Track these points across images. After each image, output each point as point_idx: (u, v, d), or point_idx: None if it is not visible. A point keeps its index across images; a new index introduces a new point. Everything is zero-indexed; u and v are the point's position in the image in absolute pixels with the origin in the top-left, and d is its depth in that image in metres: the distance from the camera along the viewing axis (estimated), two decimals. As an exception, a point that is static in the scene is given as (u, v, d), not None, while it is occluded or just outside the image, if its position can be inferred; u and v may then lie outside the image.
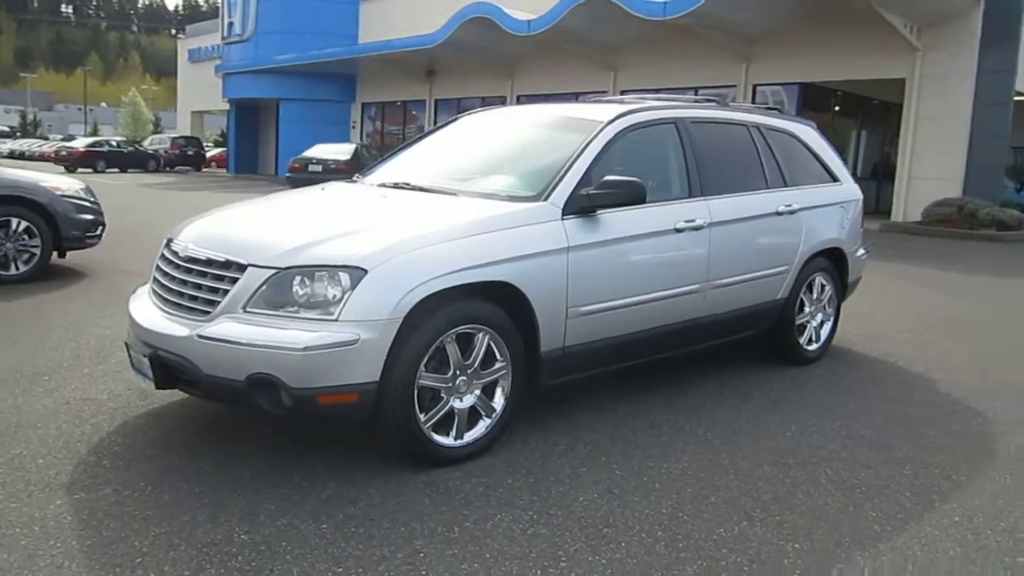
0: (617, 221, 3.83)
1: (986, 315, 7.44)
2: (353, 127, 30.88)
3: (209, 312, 3.20)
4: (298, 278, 3.09)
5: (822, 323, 5.34)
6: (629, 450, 3.66)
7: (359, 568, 2.57)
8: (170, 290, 3.43)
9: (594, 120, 4.15)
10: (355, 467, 3.32)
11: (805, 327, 5.20)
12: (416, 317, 3.13)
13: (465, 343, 3.34)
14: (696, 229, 4.23)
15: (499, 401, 3.49)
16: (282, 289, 3.10)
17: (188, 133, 39.76)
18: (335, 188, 4.33)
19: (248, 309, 3.12)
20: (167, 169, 34.03)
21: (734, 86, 20.18)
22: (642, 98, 4.83)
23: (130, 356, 3.53)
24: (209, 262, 3.28)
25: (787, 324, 5.04)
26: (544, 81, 24.00)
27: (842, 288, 5.50)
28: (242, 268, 3.17)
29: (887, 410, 4.40)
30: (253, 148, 34.59)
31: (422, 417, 3.24)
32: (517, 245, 3.47)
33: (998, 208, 14.64)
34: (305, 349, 2.96)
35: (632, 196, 3.72)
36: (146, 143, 36.27)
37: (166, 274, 3.51)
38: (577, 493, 3.18)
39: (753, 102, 19.88)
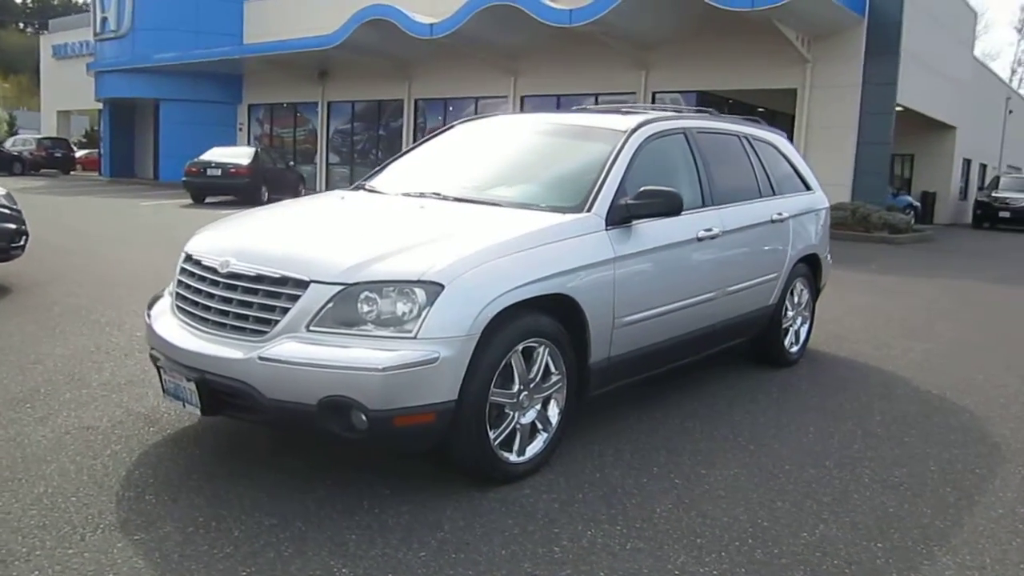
0: (649, 231, 3.86)
1: (919, 315, 7.96)
2: (240, 129, 29.70)
3: (264, 332, 2.99)
4: (368, 294, 2.94)
5: (801, 326, 5.56)
6: (675, 458, 3.68)
7: (482, 596, 2.48)
8: (209, 309, 3.18)
9: (615, 129, 4.16)
10: (417, 489, 3.18)
11: (788, 330, 5.40)
12: (490, 332, 3.04)
13: (526, 358, 3.27)
14: (712, 238, 4.32)
15: (554, 415, 3.44)
16: (351, 306, 2.94)
17: (54, 134, 37.09)
18: (360, 198, 4.14)
19: (312, 328, 2.94)
20: (32, 172, 31.65)
21: (633, 93, 20.75)
22: (636, 106, 4.89)
23: (163, 381, 3.26)
24: (259, 278, 3.07)
25: (776, 328, 5.22)
26: (443, 85, 23.90)
27: (816, 292, 5.75)
28: (302, 284, 2.98)
29: (885, 409, 4.63)
30: (129, 150, 32.65)
31: (491, 435, 3.16)
32: (573, 257, 3.44)
33: (887, 212, 15.71)
34: (386, 369, 2.82)
35: (670, 206, 3.75)
36: (7, 144, 33.55)
37: (199, 291, 3.26)
38: (651, 504, 3.18)
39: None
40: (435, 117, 24.75)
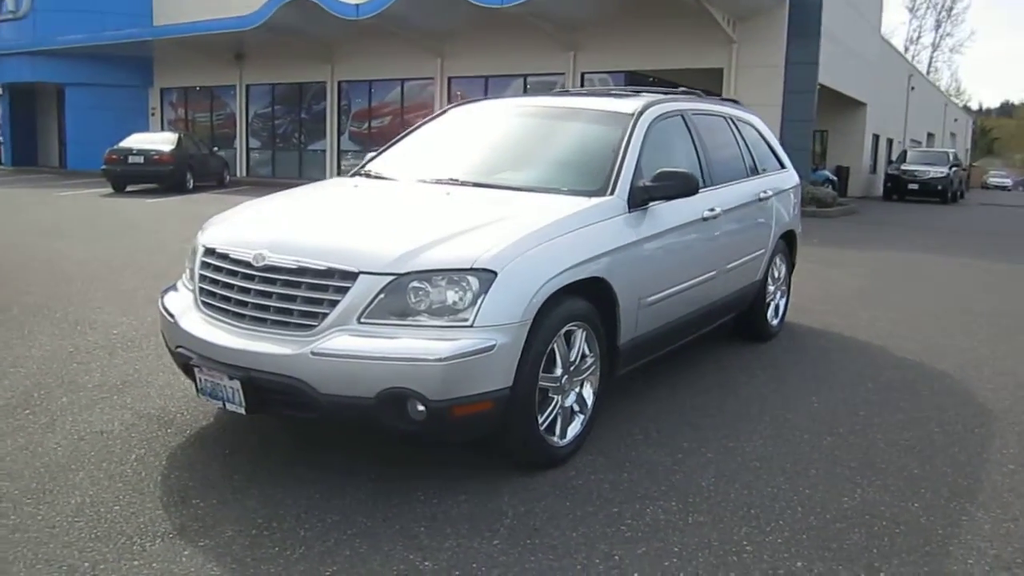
0: (663, 212, 3.91)
1: (870, 285, 8.32)
2: (152, 114, 28.49)
3: (312, 326, 2.92)
4: (420, 284, 2.90)
5: (780, 300, 5.75)
6: (700, 433, 3.77)
7: (571, 579, 2.50)
8: (244, 304, 3.07)
9: (620, 112, 4.19)
10: (465, 477, 3.17)
11: (769, 304, 5.57)
12: (540, 318, 3.05)
13: (566, 341, 3.29)
14: (715, 218, 4.41)
15: (589, 396, 3.48)
16: (403, 296, 2.89)
17: (-58, 122, 34.73)
18: (374, 185, 4.05)
19: (364, 320, 2.88)
20: (-78, 163, 29.65)
21: (562, 74, 20.87)
22: (630, 89, 4.93)
23: (198, 380, 3.14)
24: (302, 271, 2.98)
25: (760, 303, 5.38)
26: (367, 67, 23.48)
27: (791, 267, 5.95)
28: (350, 276, 2.91)
29: (873, 376, 4.85)
30: (31, 138, 30.91)
31: (539, 419, 3.17)
32: (605, 240, 3.47)
33: (812, 186, 16.30)
34: (446, 359, 2.79)
35: (686, 187, 3.82)
36: None
37: (230, 286, 3.14)
38: (696, 479, 3.25)
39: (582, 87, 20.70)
40: (360, 99, 24.33)
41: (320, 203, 3.82)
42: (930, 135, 39.29)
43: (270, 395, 2.97)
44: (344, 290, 2.91)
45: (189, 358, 3.15)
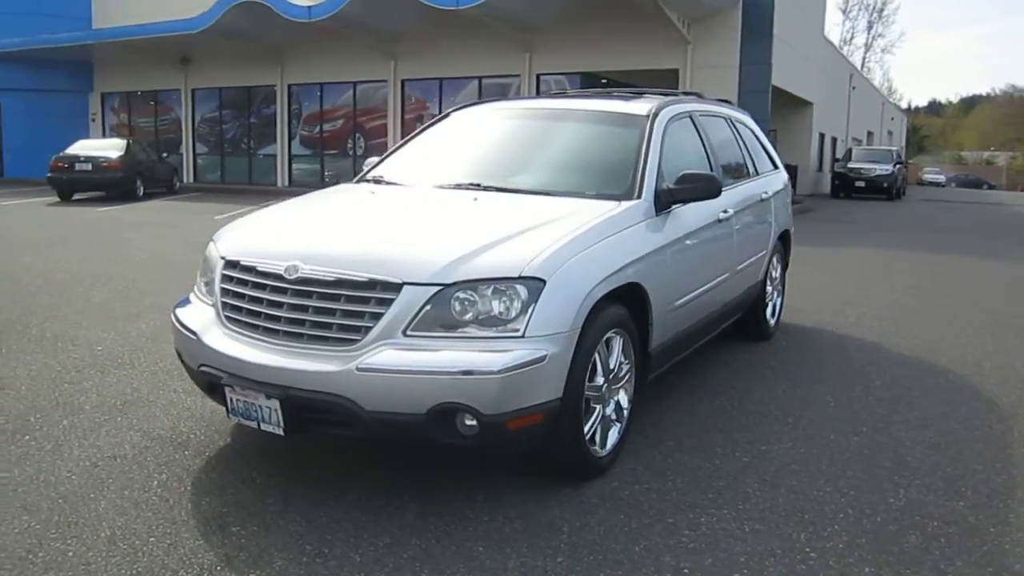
0: (684, 215, 3.88)
1: (847, 283, 8.46)
2: (93, 120, 27.59)
3: (354, 340, 2.79)
4: (467, 294, 2.79)
5: (776, 300, 5.78)
6: (729, 437, 3.74)
7: (647, 596, 2.43)
8: (277, 319, 2.93)
9: (633, 114, 4.14)
10: (509, 492, 3.08)
11: (768, 304, 5.60)
12: (586, 326, 2.97)
13: (605, 348, 3.22)
14: (728, 219, 4.40)
15: (625, 404, 3.42)
16: (450, 307, 2.79)
17: None
18: (393, 192, 3.91)
19: (410, 333, 2.77)
20: None
21: (518, 76, 20.84)
22: (632, 91, 4.89)
23: (229, 401, 2.98)
24: (340, 283, 2.85)
25: (760, 303, 5.39)
26: (318, 70, 23.09)
27: (785, 266, 5.99)
28: (393, 287, 2.79)
29: (878, 373, 4.90)
30: (-38, 146, 29.63)
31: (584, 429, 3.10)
32: (639, 245, 3.42)
33: (770, 185, 16.57)
34: (502, 371, 2.70)
35: (710, 190, 3.79)
36: None
37: (258, 300, 2.98)
38: (740, 486, 3.22)
39: (537, 92, 20.71)
40: (311, 103, 23.92)
41: (341, 211, 3.68)
42: (869, 133, 40.36)
43: (311, 414, 2.84)
44: (387, 302, 2.79)
45: (218, 377, 2.99)
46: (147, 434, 3.60)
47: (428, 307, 2.77)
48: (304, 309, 2.89)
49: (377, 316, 2.79)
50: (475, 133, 4.49)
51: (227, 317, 3.08)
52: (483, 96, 21.41)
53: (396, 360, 2.72)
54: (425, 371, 2.70)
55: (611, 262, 3.18)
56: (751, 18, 17.95)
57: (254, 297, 3.01)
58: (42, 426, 3.66)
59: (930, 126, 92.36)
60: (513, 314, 2.80)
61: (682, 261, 3.83)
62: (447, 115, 4.73)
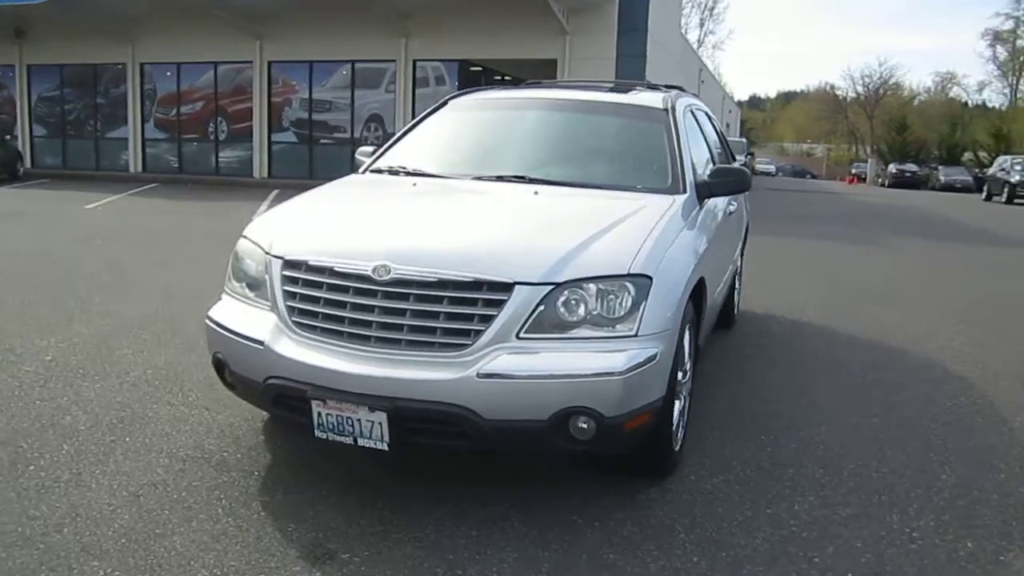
0: (711, 209, 3.93)
1: (781, 272, 8.85)
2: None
3: (464, 345, 2.62)
4: (578, 293, 2.69)
5: (738, 288, 5.99)
6: (763, 424, 3.84)
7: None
8: (365, 324, 2.70)
9: (652, 107, 4.15)
10: (592, 492, 3.02)
11: (737, 293, 5.79)
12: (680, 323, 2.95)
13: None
14: (731, 213, 4.50)
15: (686, 400, 3.42)
16: (562, 307, 2.67)
17: None
18: (439, 184, 3.66)
19: (523, 335, 2.64)
20: None
21: (393, 61, 20.38)
22: (621, 83, 4.89)
23: (316, 417, 2.71)
24: (441, 284, 2.66)
25: (732, 292, 5.57)
26: (174, 48, 21.46)
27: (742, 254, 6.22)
28: (503, 288, 2.64)
29: (851, 356, 5.20)
30: None
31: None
32: (699, 240, 3.43)
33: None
34: (625, 372, 2.62)
35: (742, 184, 3.84)
36: None
37: (339, 304, 2.73)
38: (807, 472, 3.31)
39: (414, 77, 20.40)
40: (167, 84, 22.32)
41: (402, 206, 3.42)
42: (713, 125, 42.63)
43: (423, 426, 2.64)
44: (498, 303, 2.64)
45: (299, 390, 2.72)
46: (172, 455, 3.24)
47: (541, 307, 2.65)
48: (400, 313, 2.68)
49: (487, 319, 2.63)
50: (489, 123, 4.32)
51: (297, 323, 2.81)
52: (356, 82, 20.83)
53: (518, 365, 2.59)
54: (550, 375, 2.58)
55: (689, 258, 3.17)
56: (627, 11, 18.44)
57: (332, 300, 2.76)
58: (41, 453, 3.21)
59: (754, 119, 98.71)
60: (623, 312, 2.73)
61: (715, 255, 3.88)
62: (445, 103, 4.52)
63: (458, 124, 4.33)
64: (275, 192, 16.14)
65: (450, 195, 3.52)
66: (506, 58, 19.59)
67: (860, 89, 70.54)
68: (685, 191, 3.60)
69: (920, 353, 5.27)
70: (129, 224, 11.20)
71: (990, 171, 30.25)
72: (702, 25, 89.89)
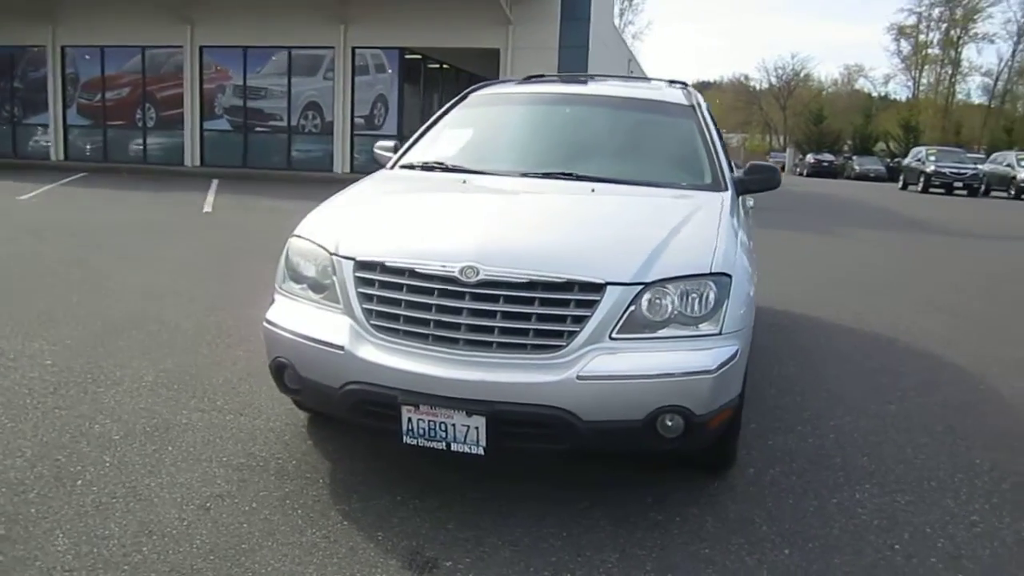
0: (746, 205, 4.00)
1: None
2: None
3: (559, 346, 2.60)
4: (665, 292, 2.70)
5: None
6: (797, 416, 3.95)
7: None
8: (452, 326, 2.64)
9: (679, 103, 4.20)
10: (666, 491, 3.06)
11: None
12: (750, 319, 3.00)
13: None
14: (751, 207, 4.58)
15: (740, 395, 3.48)
16: (651, 307, 2.68)
17: None
18: (491, 182, 3.58)
19: (616, 335, 2.64)
20: None
21: (331, 48, 20.00)
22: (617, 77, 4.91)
23: (406, 423, 2.64)
24: (532, 285, 2.63)
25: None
26: (99, 30, 20.59)
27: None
28: (595, 288, 2.63)
29: (855, 348, 5.38)
30: None
31: (732, 422, 3.13)
32: (748, 238, 3.48)
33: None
34: (717, 370, 2.66)
35: (774, 181, 3.92)
36: None
37: (424, 306, 2.66)
38: (853, 461, 3.43)
39: (353, 65, 20.03)
40: (91, 68, 21.32)
41: (464, 204, 3.34)
42: (641, 115, 43.28)
43: (521, 429, 2.61)
44: (590, 304, 2.63)
45: (386, 396, 2.65)
46: (225, 464, 3.12)
47: (633, 308, 2.65)
48: (491, 315, 2.64)
49: (580, 319, 2.62)
50: (520, 118, 4.26)
51: (376, 326, 2.73)
52: (293, 68, 20.33)
53: (616, 366, 2.58)
54: (648, 375, 2.59)
55: (751, 255, 3.22)
56: (569, 1, 18.52)
57: (415, 303, 2.70)
58: (84, 466, 3.04)
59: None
60: (706, 311, 2.75)
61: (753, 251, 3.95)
62: (465, 97, 4.45)
63: (488, 119, 4.28)
64: (216, 182, 15.65)
65: (509, 193, 3.46)
66: (448, 47, 19.44)
67: (773, 80, 72.81)
68: (727, 188, 3.65)
69: (907, 340, 5.51)
70: (74, 216, 10.68)
71: (905, 161, 31.69)
72: (622, 15, 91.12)
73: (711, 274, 2.77)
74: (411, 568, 2.46)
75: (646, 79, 4.82)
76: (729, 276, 2.81)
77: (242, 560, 2.46)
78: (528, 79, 4.85)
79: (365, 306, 2.76)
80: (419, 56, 21.01)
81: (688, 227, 3.04)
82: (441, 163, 3.86)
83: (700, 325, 2.74)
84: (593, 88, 4.45)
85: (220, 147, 20.59)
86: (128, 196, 13.85)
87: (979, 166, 27.87)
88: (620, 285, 2.65)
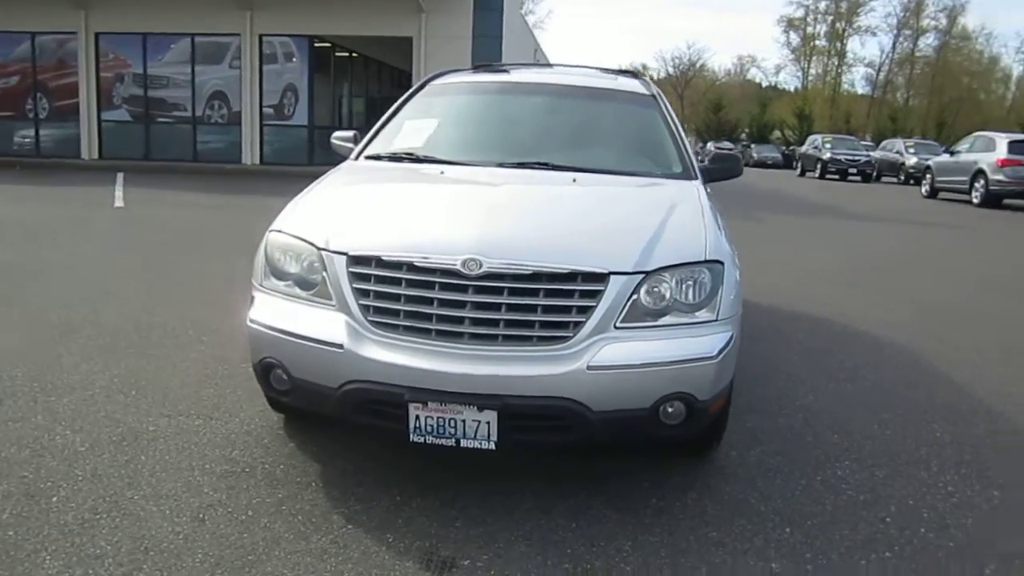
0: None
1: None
2: None
3: (566, 337, 2.59)
4: (666, 280, 2.73)
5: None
6: (767, 393, 4.07)
7: None
8: (457, 320, 2.60)
9: (639, 92, 4.24)
10: (659, 475, 3.10)
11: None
12: (737, 307, 3.06)
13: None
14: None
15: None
16: (651, 295, 2.70)
17: None
18: (468, 172, 3.52)
19: (620, 325, 2.65)
20: None
21: (237, 35, 19.33)
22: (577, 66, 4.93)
23: (413, 420, 2.58)
24: (536, 276, 2.61)
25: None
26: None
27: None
28: (598, 278, 2.63)
29: (798, 330, 5.57)
30: None
31: (719, 406, 3.20)
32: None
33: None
34: (718, 356, 2.71)
35: (736, 170, 4.01)
36: None
37: (426, 300, 2.60)
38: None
39: (260, 53, 19.42)
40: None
41: (451, 196, 3.27)
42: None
43: (531, 423, 2.59)
44: (594, 294, 2.63)
45: (392, 395, 2.58)
46: (207, 471, 2.98)
47: (635, 296, 2.67)
48: (495, 307, 2.60)
49: (584, 310, 2.62)
50: (487, 107, 4.21)
51: (374, 323, 2.66)
52: (197, 56, 19.54)
53: (624, 355, 2.59)
54: (656, 363, 2.61)
55: (731, 243, 3.28)
56: (483, -10, 18.46)
57: (416, 297, 2.63)
58: (55, 482, 2.84)
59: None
60: (702, 298, 2.79)
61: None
62: (424, 85, 4.37)
63: (453, 108, 4.21)
64: (121, 175, 14.91)
65: (494, 183, 3.41)
66: (359, 35, 19.07)
67: (671, 70, 74.66)
68: (697, 177, 3.71)
69: (841, 321, 5.75)
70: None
71: (802, 149, 33.02)
72: (523, 4, 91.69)
73: (705, 261, 2.81)
74: (429, 569, 2.41)
75: (599, 69, 4.80)
76: (722, 263, 2.85)
77: (251, 571, 2.35)
78: (479, 68, 4.80)
79: (362, 302, 2.68)
80: (329, 44, 20.53)
81: (675, 216, 3.07)
82: (411, 154, 3.78)
83: (697, 312, 2.77)
84: (555, 77, 4.43)
85: (120, 139, 19.62)
86: (30, 191, 13.05)
87: (871, 153, 29.35)
88: (623, 274, 2.65)
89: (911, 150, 27.42)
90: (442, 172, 3.51)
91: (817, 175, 28.85)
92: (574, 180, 3.43)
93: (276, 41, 19.42)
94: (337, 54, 21.19)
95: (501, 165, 3.60)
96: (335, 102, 21.57)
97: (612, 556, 2.51)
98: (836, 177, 28.16)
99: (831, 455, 3.36)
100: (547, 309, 2.61)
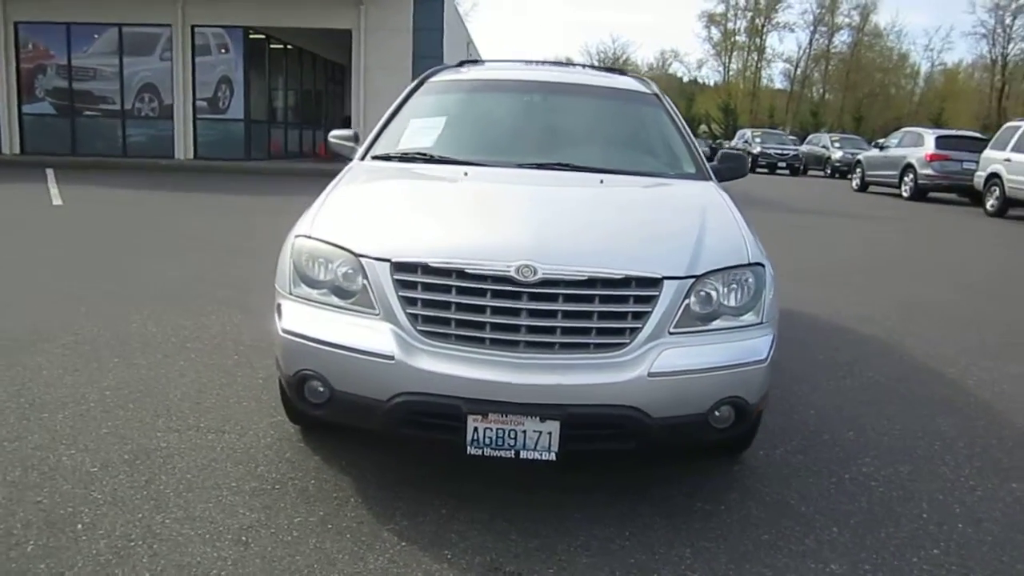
0: None
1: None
2: None
3: (623, 344, 2.55)
4: (712, 285, 2.72)
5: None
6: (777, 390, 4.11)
7: None
8: (512, 328, 2.53)
9: (643, 91, 4.23)
10: (690, 479, 3.10)
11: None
12: (771, 308, 3.08)
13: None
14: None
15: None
16: (702, 300, 2.69)
17: None
18: (494, 174, 3.41)
19: (674, 330, 2.62)
20: None
21: (169, 25, 18.64)
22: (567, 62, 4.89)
23: (472, 432, 2.50)
24: (591, 282, 2.56)
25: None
26: None
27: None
28: (652, 283, 2.60)
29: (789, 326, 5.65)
30: None
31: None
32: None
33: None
34: (766, 359, 2.72)
35: (744, 169, 4.04)
36: None
37: (478, 308, 2.53)
38: (839, 434, 3.61)
39: (193, 44, 18.78)
40: None
41: (488, 198, 3.14)
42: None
43: (591, 432, 2.55)
44: (649, 299, 2.60)
45: (449, 407, 2.50)
46: (236, 490, 2.83)
47: (687, 301, 2.65)
48: (551, 315, 2.55)
49: (640, 315, 2.59)
50: (494, 106, 4.10)
51: (425, 332, 2.57)
52: (125, 47, 18.76)
53: (682, 360, 2.57)
54: (713, 368, 2.60)
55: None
56: (425, -18, 18.23)
57: (468, 305, 2.56)
58: (75, 507, 2.66)
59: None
60: (746, 301, 2.80)
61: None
62: (422, 83, 4.25)
63: (459, 107, 4.10)
64: (51, 171, 14.20)
65: (523, 185, 3.33)
66: (295, 26, 18.61)
67: (596, 64, 75.35)
68: (711, 177, 3.72)
69: (827, 318, 5.88)
70: None
71: (731, 143, 33.77)
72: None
73: (749, 264, 2.82)
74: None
75: (590, 66, 4.78)
76: (763, 265, 2.86)
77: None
78: (463, 64, 4.71)
79: (409, 311, 2.58)
80: (263, 36, 19.96)
81: (711, 219, 3.07)
82: (423, 154, 3.68)
83: (743, 316, 2.77)
84: (558, 75, 4.37)
85: (44, 133, 18.68)
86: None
87: (799, 147, 30.23)
88: (675, 279, 2.63)
89: (836, 144, 28.36)
90: (466, 173, 3.42)
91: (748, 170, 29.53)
92: (601, 181, 3.39)
93: (209, 32, 18.78)
94: (272, 46, 20.62)
95: (520, 166, 3.54)
96: (271, 95, 21.00)
97: (676, 564, 2.49)
98: (766, 171, 28.91)
99: (851, 452, 3.42)
100: (603, 315, 2.57)
